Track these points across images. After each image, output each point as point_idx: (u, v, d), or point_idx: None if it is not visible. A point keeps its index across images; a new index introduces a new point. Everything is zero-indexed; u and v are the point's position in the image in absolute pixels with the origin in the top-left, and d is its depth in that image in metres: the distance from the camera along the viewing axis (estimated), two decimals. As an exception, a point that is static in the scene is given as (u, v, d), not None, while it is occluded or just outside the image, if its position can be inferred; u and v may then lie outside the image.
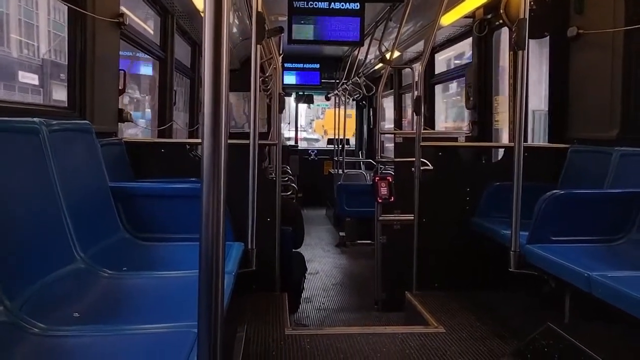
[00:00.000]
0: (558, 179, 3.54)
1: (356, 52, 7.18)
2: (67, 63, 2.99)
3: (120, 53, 3.45)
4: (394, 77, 8.57)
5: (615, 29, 3.14)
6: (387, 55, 4.73)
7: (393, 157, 4.12)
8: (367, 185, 6.54)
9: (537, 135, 4.48)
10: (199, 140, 1.10)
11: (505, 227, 2.99)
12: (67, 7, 2.87)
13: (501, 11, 3.93)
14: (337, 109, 9.53)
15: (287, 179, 6.35)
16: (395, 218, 3.89)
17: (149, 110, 6.00)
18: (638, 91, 3.14)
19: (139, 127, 5.22)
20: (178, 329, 1.56)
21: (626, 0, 3.11)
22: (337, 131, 9.01)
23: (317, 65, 9.49)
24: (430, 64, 6.45)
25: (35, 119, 2.07)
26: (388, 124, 9.52)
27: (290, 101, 11.61)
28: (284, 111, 4.03)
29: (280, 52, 4.22)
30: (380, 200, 3.80)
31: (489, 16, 4.65)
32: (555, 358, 2.28)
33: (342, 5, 4.44)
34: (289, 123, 13.04)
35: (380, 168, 5.01)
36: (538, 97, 4.16)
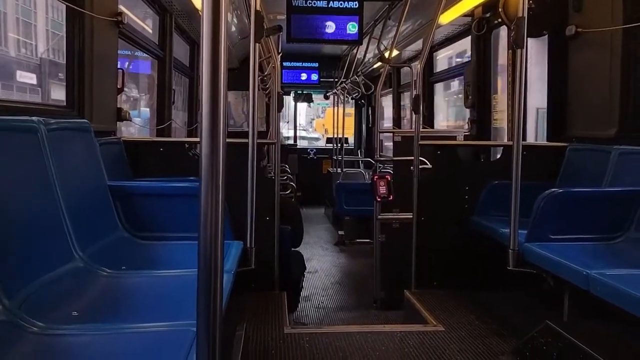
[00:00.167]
0: (557, 178, 3.54)
1: (355, 50, 7.18)
2: (65, 62, 2.98)
3: (119, 52, 3.45)
4: (393, 75, 8.55)
5: (614, 28, 3.14)
6: (386, 54, 4.73)
7: (392, 155, 4.11)
8: (366, 184, 6.53)
9: (542, 134, 4.40)
10: (198, 139, 1.10)
11: (504, 226, 2.99)
12: (65, 5, 2.87)
13: (500, 10, 3.93)
14: (336, 108, 9.52)
15: (285, 177, 6.33)
16: (394, 217, 3.89)
17: (145, 109, 5.98)
18: (637, 90, 3.14)
19: (135, 126, 5.21)
20: (177, 328, 1.56)
21: (625, -2, 3.12)
22: (336, 130, 9.01)
23: (316, 64, 9.46)
24: (429, 62, 6.45)
25: (33, 118, 2.07)
26: (387, 122, 9.51)
27: (289, 100, 11.60)
28: (282, 110, 4.02)
29: (279, 51, 4.22)
30: (379, 199, 3.79)
31: (488, 15, 4.64)
32: (554, 356, 2.29)
33: (341, 4, 4.44)
34: (288, 122, 13.03)
35: (379, 167, 5.01)
36: (542, 95, 4.08)
